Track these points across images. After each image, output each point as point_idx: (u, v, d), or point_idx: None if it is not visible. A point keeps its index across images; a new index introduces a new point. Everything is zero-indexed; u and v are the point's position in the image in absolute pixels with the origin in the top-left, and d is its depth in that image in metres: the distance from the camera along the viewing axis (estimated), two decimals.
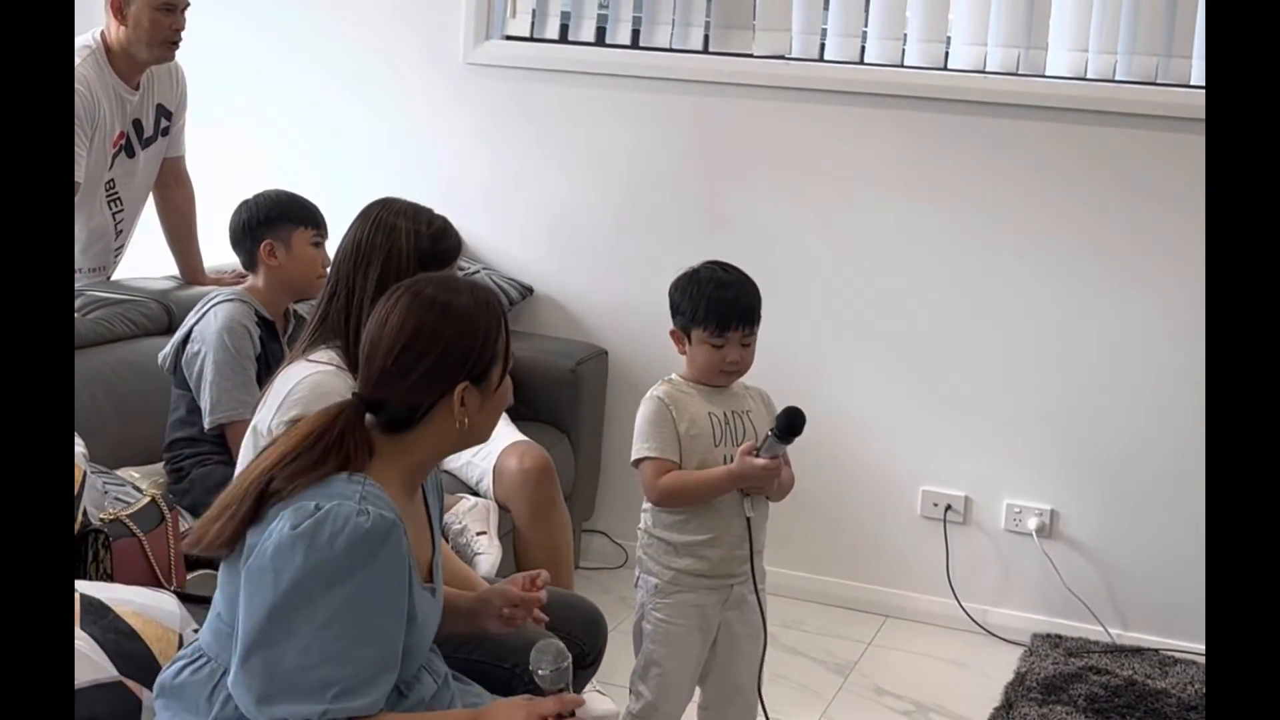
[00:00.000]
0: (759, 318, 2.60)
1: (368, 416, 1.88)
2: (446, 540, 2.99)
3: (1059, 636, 3.70)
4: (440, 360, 1.86)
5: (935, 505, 3.83)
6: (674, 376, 2.64)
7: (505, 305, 1.96)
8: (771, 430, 2.50)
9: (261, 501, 1.80)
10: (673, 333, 2.62)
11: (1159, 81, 3.60)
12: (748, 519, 2.57)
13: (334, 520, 1.75)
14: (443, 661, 2.06)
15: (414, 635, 1.87)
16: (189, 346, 2.89)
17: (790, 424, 2.48)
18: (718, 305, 2.56)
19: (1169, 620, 3.64)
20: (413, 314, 1.88)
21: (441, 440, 1.90)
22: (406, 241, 2.35)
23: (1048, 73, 3.69)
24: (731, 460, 2.54)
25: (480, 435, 1.94)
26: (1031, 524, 3.75)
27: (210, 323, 2.89)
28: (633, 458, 2.60)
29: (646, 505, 2.62)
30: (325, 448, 1.82)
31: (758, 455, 2.50)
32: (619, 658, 2.78)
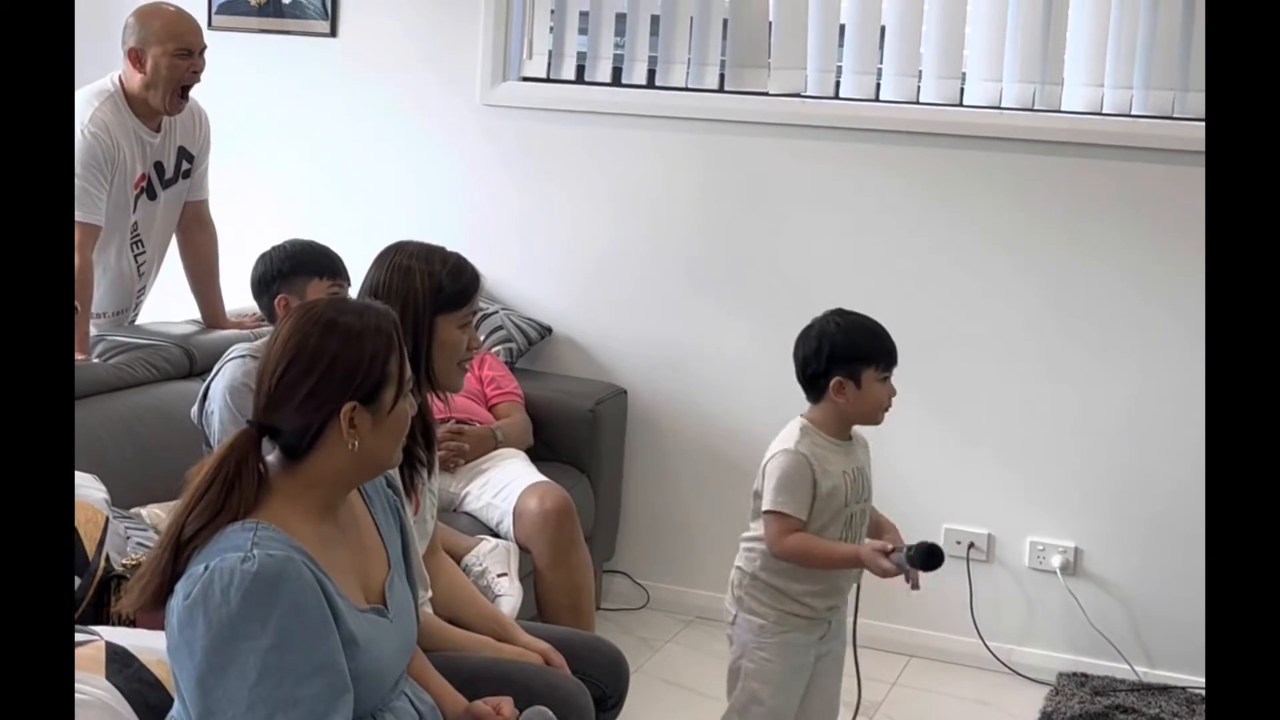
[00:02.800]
0: None
1: (266, 445, 1.85)
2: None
3: (1085, 675, 3.66)
4: (324, 378, 1.82)
5: (958, 543, 3.81)
6: (806, 423, 2.63)
7: (397, 329, 1.90)
8: (910, 553, 2.49)
9: (179, 551, 1.79)
10: (836, 383, 2.59)
11: (1175, 116, 3.60)
12: (857, 582, 2.66)
13: (220, 577, 1.72)
14: (426, 696, 2.03)
15: (362, 660, 1.82)
16: (206, 405, 2.87)
17: (927, 562, 2.48)
18: (883, 340, 2.61)
19: (1196, 658, 3.59)
20: (297, 331, 1.84)
21: (337, 464, 1.85)
22: (422, 282, 2.37)
23: (1064, 108, 3.69)
24: (853, 518, 2.61)
25: (381, 459, 1.90)
26: (1055, 561, 3.73)
27: (219, 382, 2.83)
28: (765, 506, 2.59)
29: (751, 545, 2.64)
30: (224, 483, 1.80)
31: (888, 556, 2.52)
32: (641, 700, 2.77)
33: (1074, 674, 3.67)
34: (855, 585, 2.68)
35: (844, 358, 2.59)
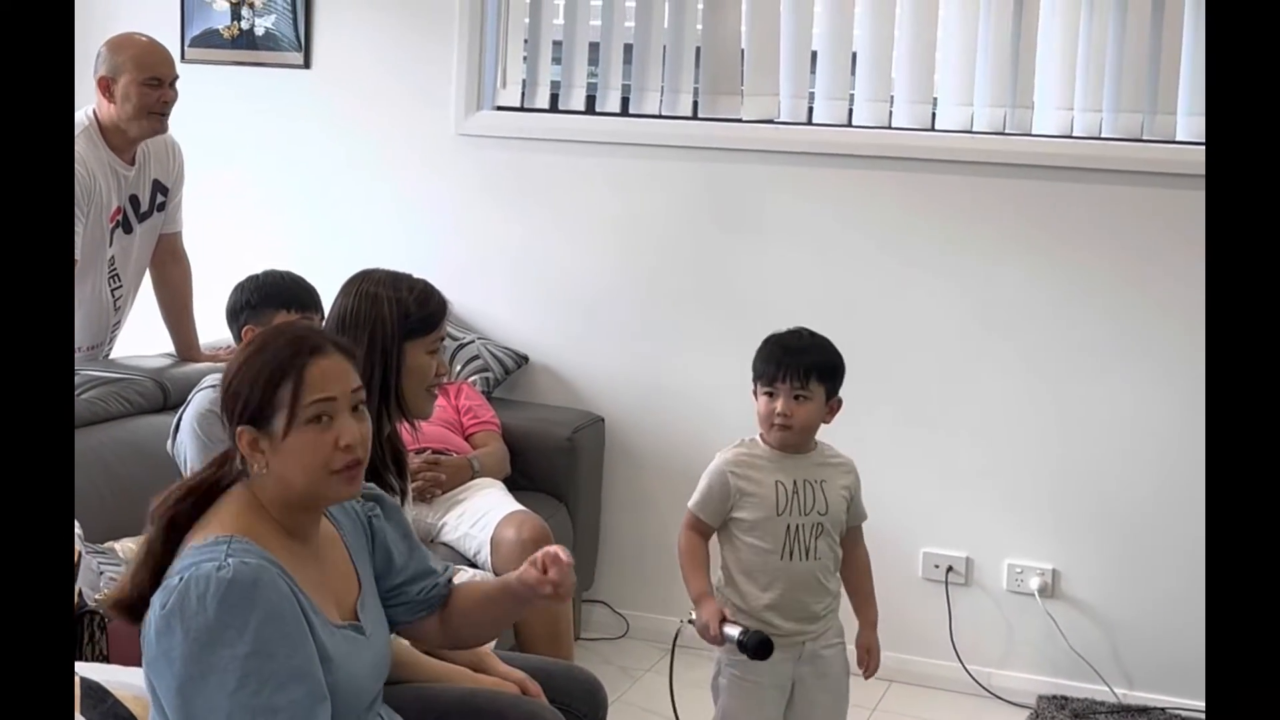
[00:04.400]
0: (819, 376, 2.65)
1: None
2: None
3: (1065, 698, 3.66)
4: (228, 401, 1.88)
5: (936, 567, 3.81)
6: (756, 438, 2.71)
7: (304, 358, 1.90)
8: (743, 637, 2.56)
9: (170, 535, 1.83)
10: (754, 393, 2.70)
11: (1145, 138, 3.62)
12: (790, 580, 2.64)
13: (195, 585, 1.74)
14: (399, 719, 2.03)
15: (337, 676, 1.82)
16: (178, 437, 2.86)
17: (757, 652, 2.54)
18: (772, 353, 2.66)
19: (1175, 678, 3.61)
20: (237, 354, 1.92)
21: (269, 488, 1.87)
22: (390, 309, 2.38)
23: (1034, 131, 3.71)
24: (799, 529, 2.63)
25: (298, 484, 1.86)
26: (1034, 584, 3.73)
27: (189, 413, 2.83)
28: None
29: (721, 563, 2.71)
30: (209, 483, 1.87)
31: (726, 625, 2.59)
32: None
33: (1054, 697, 3.67)
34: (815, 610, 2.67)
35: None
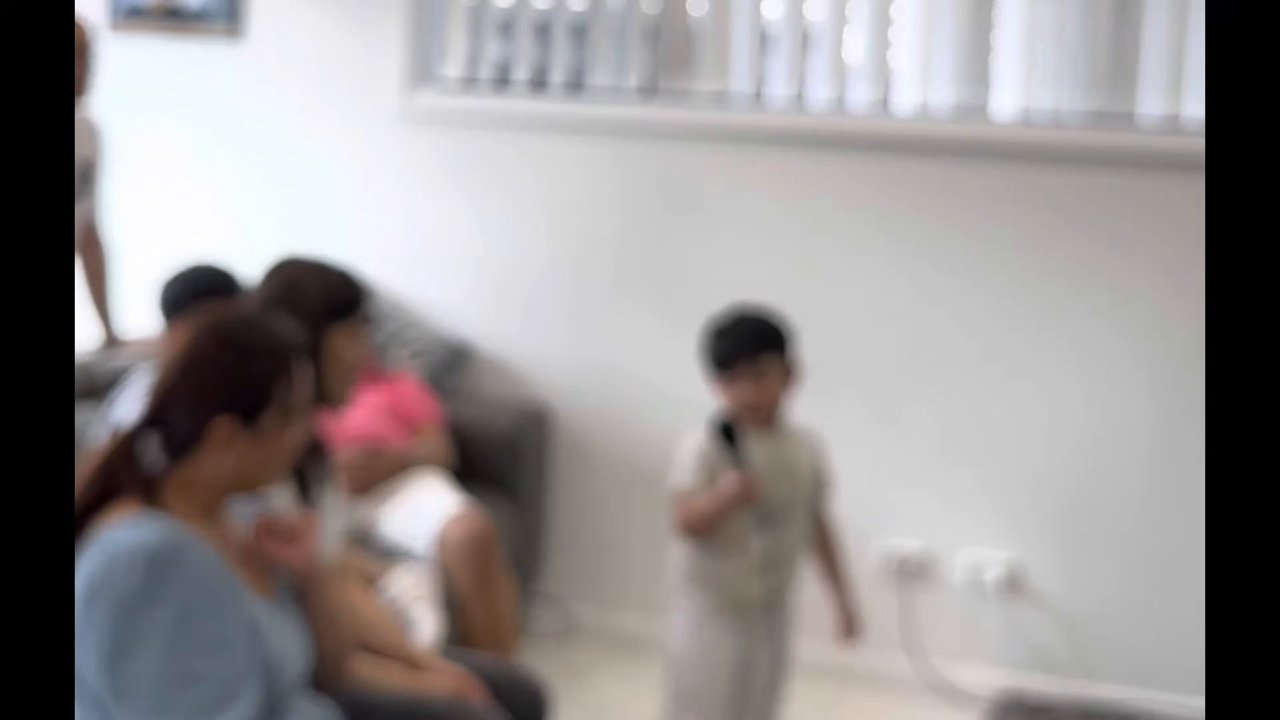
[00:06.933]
0: (783, 348, 2.66)
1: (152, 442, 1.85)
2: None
3: (1024, 691, 3.61)
4: (207, 389, 1.83)
5: (892, 559, 3.74)
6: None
7: (299, 354, 1.93)
8: (717, 432, 2.58)
9: (83, 530, 1.79)
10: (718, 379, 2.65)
11: (1105, 123, 3.56)
12: (763, 550, 2.60)
13: (118, 556, 1.72)
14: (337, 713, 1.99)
15: (269, 647, 1.81)
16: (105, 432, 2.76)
17: (725, 436, 2.55)
18: (738, 334, 2.64)
19: (1137, 673, 3.57)
20: (198, 338, 1.87)
21: (215, 474, 1.85)
22: (309, 295, 2.36)
23: (993, 111, 3.65)
24: (776, 504, 2.59)
25: (258, 477, 1.89)
26: (991, 575, 3.67)
27: (130, 411, 2.74)
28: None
29: (689, 546, 2.66)
30: (111, 471, 1.82)
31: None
32: None
33: (1013, 691, 3.62)
34: (774, 581, 2.64)
35: (711, 356, 2.67)
